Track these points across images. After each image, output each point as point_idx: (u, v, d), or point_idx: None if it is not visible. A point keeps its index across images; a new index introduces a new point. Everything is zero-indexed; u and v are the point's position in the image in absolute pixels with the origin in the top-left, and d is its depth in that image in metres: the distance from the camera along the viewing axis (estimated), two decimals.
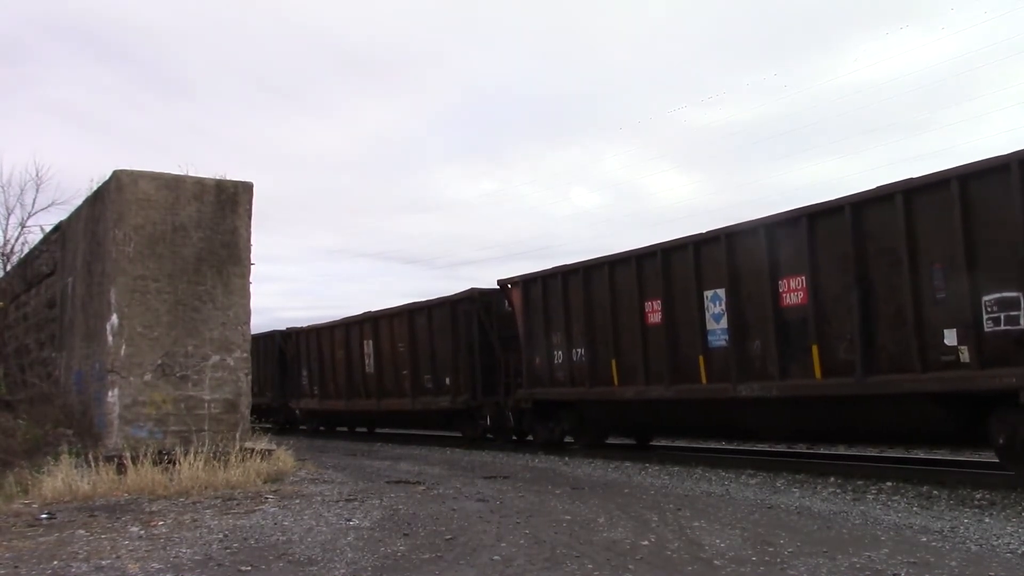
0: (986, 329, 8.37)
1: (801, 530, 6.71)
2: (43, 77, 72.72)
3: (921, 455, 12.32)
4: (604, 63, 72.83)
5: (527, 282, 15.13)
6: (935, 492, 8.73)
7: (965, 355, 8.51)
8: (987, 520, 7.08)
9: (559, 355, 14.28)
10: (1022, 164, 8.08)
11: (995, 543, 6.07)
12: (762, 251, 10.70)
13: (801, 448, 13.69)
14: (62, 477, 9.50)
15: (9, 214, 20.34)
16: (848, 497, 8.71)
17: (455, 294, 17.39)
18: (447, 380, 17.34)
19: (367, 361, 20.14)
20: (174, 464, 10.08)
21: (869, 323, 9.48)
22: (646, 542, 6.25)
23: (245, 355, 12.24)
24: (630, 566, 5.48)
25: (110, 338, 11.48)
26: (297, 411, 24.26)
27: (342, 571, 5.51)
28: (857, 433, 11.56)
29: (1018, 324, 8.14)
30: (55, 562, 5.96)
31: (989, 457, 11.64)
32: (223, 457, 10.48)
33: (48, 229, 16.37)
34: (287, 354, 24.55)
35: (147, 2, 70.89)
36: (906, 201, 9.07)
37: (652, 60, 73.23)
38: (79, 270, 13.54)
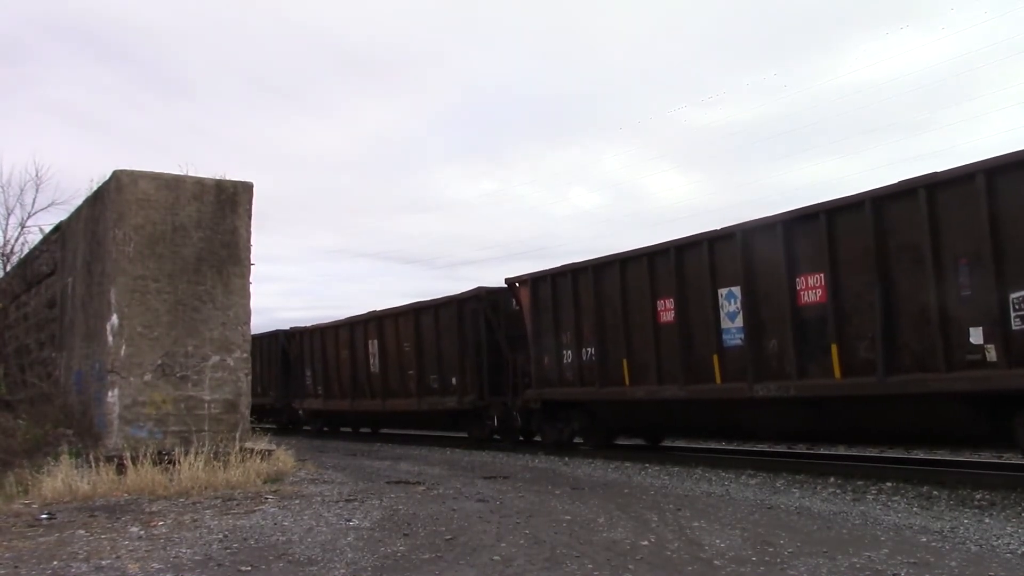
0: (1013, 327, 8.15)
1: (801, 530, 6.71)
2: (43, 77, 72.78)
3: (921, 455, 12.31)
4: (604, 63, 72.88)
5: (536, 280, 14.96)
6: (935, 492, 8.73)
7: (991, 354, 8.29)
8: (987, 520, 7.08)
9: (568, 354, 14.13)
10: None
11: (995, 543, 6.07)
12: (779, 248, 10.48)
13: (801, 448, 13.67)
14: (62, 477, 9.50)
15: (9, 214, 20.42)
16: (848, 497, 8.71)
17: (462, 293, 17.22)
18: (453, 380, 17.20)
19: (372, 361, 20.03)
20: (174, 464, 10.08)
21: (891, 321, 9.25)
22: (646, 542, 6.24)
23: (245, 355, 12.24)
24: (630, 566, 5.48)
25: (110, 338, 11.48)
26: (300, 411, 24.18)
27: (342, 571, 5.51)
28: (877, 434, 11.41)
29: None
30: (55, 562, 5.96)
31: (989, 457, 11.67)
32: (223, 457, 10.48)
33: (48, 229, 16.38)
34: (290, 354, 24.46)
35: (147, 2, 70.94)
36: (929, 196, 8.82)
37: (652, 60, 73.27)
38: (79, 270, 13.54)
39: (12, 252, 19.67)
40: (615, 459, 13.25)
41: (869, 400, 9.76)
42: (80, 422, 12.47)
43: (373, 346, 19.96)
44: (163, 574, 5.60)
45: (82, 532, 7.15)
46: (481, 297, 16.73)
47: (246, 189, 12.58)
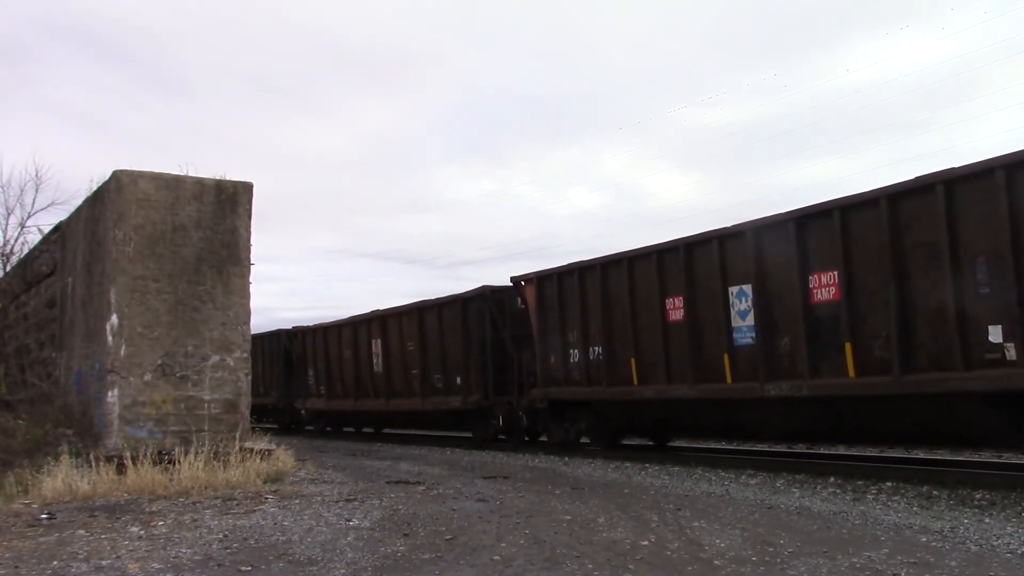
0: None
1: (801, 530, 6.71)
2: (43, 77, 72.79)
3: (921, 455, 12.31)
4: (604, 63, 72.89)
5: (542, 279, 14.83)
6: (935, 492, 8.73)
7: (1011, 352, 8.14)
8: (987, 520, 7.08)
9: (575, 353, 14.01)
10: None
11: (995, 543, 6.07)
12: (791, 246, 10.33)
13: (801, 448, 13.67)
14: (62, 477, 9.50)
15: (9, 214, 20.39)
16: (848, 497, 8.71)
17: (466, 292, 17.11)
18: (458, 380, 17.10)
19: (375, 360, 19.92)
20: (174, 464, 10.08)
21: (907, 319, 9.11)
22: (646, 542, 6.24)
23: (245, 355, 12.23)
24: (630, 566, 5.48)
25: (110, 338, 11.48)
26: (303, 411, 24.13)
27: (342, 571, 5.51)
28: (889, 434, 11.32)
29: None
30: (55, 562, 5.96)
31: (989, 457, 11.67)
32: (223, 457, 10.48)
33: (48, 229, 16.38)
34: (293, 354, 24.41)
35: (147, 2, 70.95)
36: (947, 192, 8.62)
37: (652, 60, 73.28)
38: (79, 270, 13.54)
39: (12, 252, 19.69)
40: (615, 459, 13.24)
41: (883, 400, 9.64)
42: (80, 422, 12.47)
43: (376, 345, 19.87)
44: (163, 574, 5.60)
45: (82, 532, 7.15)
46: (486, 296, 16.62)
47: (246, 189, 12.58)
